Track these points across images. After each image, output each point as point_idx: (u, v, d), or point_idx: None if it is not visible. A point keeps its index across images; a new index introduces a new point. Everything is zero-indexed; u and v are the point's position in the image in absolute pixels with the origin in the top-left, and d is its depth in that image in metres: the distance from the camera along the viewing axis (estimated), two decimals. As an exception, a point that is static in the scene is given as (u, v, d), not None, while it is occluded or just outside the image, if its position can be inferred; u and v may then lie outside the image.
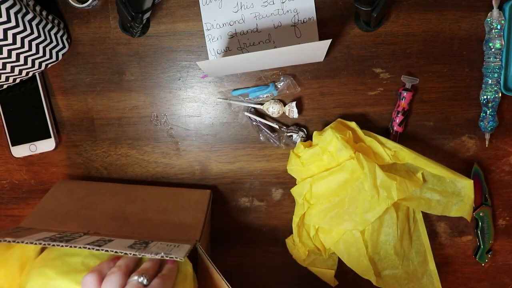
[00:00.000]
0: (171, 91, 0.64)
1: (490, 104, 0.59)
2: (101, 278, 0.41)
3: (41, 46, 0.56)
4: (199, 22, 0.61)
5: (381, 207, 0.55)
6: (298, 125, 0.63)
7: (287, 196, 0.65)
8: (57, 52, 0.59)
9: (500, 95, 0.59)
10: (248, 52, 0.60)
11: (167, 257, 0.40)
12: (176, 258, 0.40)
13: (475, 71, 0.61)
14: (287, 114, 0.62)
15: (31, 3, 0.53)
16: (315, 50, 0.54)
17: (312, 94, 0.62)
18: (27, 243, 0.41)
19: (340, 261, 0.63)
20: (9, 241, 0.41)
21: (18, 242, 0.41)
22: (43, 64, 0.59)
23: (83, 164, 0.66)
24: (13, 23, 0.49)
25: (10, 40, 0.51)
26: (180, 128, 0.65)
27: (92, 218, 0.54)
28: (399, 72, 0.61)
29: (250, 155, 0.65)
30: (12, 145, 0.65)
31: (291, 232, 0.63)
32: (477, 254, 0.64)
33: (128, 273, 0.42)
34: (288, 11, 0.60)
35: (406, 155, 0.56)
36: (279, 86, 0.61)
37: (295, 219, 0.60)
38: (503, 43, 0.58)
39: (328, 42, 0.51)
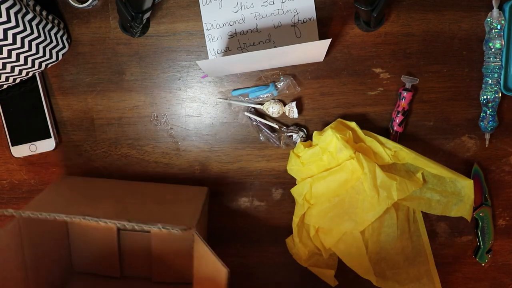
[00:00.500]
0: (171, 91, 0.64)
1: (490, 104, 0.59)
2: None
3: (41, 46, 0.56)
4: (199, 22, 0.61)
5: (381, 207, 0.55)
6: (298, 125, 0.63)
7: (287, 196, 0.65)
8: (57, 52, 0.59)
9: (500, 95, 0.59)
10: (248, 52, 0.60)
11: (163, 228, 0.41)
12: (173, 229, 0.40)
13: (475, 71, 0.61)
14: (287, 114, 0.62)
15: (31, 3, 0.53)
16: (315, 50, 0.54)
17: (312, 94, 0.62)
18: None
19: (340, 261, 0.63)
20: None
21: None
22: (43, 64, 0.59)
23: (83, 164, 0.66)
24: (13, 23, 0.49)
25: (10, 40, 0.51)
26: (180, 128, 0.65)
27: (92, 206, 0.54)
28: (399, 72, 0.61)
29: (250, 155, 0.65)
30: (12, 145, 0.65)
31: (291, 232, 0.63)
32: (477, 254, 0.64)
33: None
34: (288, 11, 0.60)
35: (406, 155, 0.56)
36: (279, 86, 0.61)
37: (295, 219, 0.60)
38: (503, 43, 0.58)
39: (328, 42, 0.51)
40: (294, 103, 0.61)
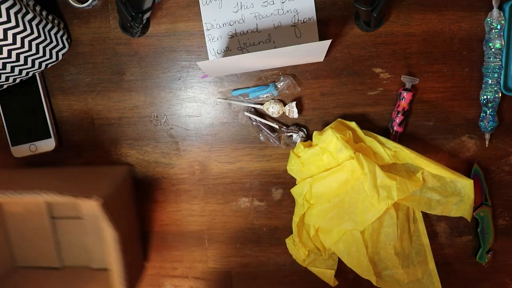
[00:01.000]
0: (171, 91, 0.64)
1: (490, 104, 0.59)
2: None
3: (41, 46, 0.56)
4: (199, 22, 0.61)
5: (381, 207, 0.55)
6: (298, 125, 0.63)
7: (287, 196, 0.65)
8: (57, 52, 0.59)
9: (500, 95, 0.59)
10: (248, 52, 0.60)
11: (63, 196, 0.48)
12: (71, 196, 0.47)
13: (475, 71, 0.61)
14: (287, 114, 0.62)
15: (31, 3, 0.53)
16: (315, 50, 0.54)
17: (312, 94, 0.62)
18: None
19: (340, 261, 0.63)
20: None
21: None
22: (43, 64, 0.59)
23: (83, 164, 0.66)
24: (13, 23, 0.49)
25: (10, 40, 0.51)
26: (180, 128, 0.65)
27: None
28: (399, 72, 0.61)
29: (250, 155, 0.65)
30: (12, 145, 0.65)
31: (291, 232, 0.63)
32: (477, 254, 0.64)
33: None
34: (288, 11, 0.60)
35: (406, 155, 0.57)
36: (279, 86, 0.61)
37: (295, 219, 0.60)
38: (503, 43, 0.58)
39: (328, 42, 0.51)
40: (294, 103, 0.61)
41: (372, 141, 0.57)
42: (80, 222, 0.67)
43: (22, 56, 0.54)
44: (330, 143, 0.56)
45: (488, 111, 0.60)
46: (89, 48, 0.63)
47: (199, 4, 0.61)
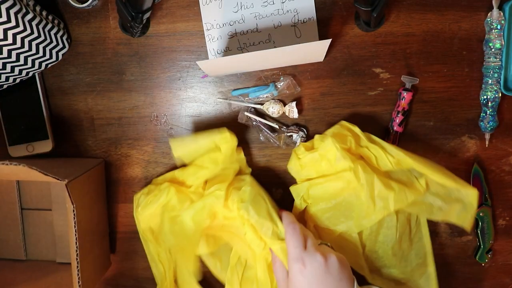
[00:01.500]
0: (171, 91, 0.64)
1: (490, 104, 0.59)
2: None
3: (41, 46, 0.56)
4: (199, 22, 0.61)
5: (377, 216, 0.55)
6: (298, 125, 0.63)
7: (287, 196, 0.65)
8: (57, 52, 0.59)
9: (500, 95, 0.59)
10: (248, 52, 0.60)
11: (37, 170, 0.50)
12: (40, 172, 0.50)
13: (475, 71, 0.61)
14: (287, 114, 0.62)
15: (31, 3, 0.53)
16: (315, 50, 0.54)
17: (312, 94, 0.62)
18: None
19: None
20: None
21: None
22: (43, 64, 0.59)
23: (83, 164, 0.66)
24: (13, 23, 0.49)
25: (10, 40, 0.51)
26: (180, 128, 0.65)
27: None
28: (399, 72, 0.61)
29: (250, 155, 0.65)
30: (9, 145, 0.65)
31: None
32: (477, 254, 0.64)
33: None
34: (288, 11, 0.60)
35: (410, 163, 0.56)
36: (279, 86, 0.61)
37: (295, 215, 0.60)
38: (503, 43, 0.58)
39: (328, 42, 0.51)
40: (294, 103, 0.61)
41: (374, 148, 0.57)
42: (49, 214, 0.68)
43: (22, 56, 0.54)
44: (330, 151, 0.56)
45: (488, 111, 0.60)
46: (89, 48, 0.63)
47: (199, 4, 0.61)
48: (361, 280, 0.59)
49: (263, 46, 0.61)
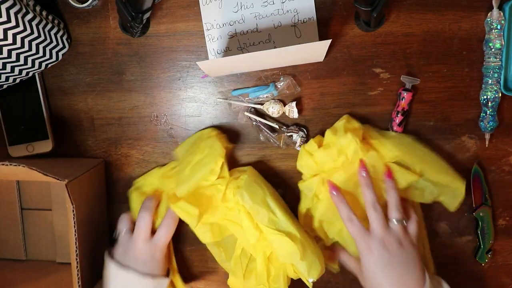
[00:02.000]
0: (171, 91, 0.64)
1: (490, 104, 0.59)
2: None
3: (41, 46, 0.56)
4: (199, 22, 0.61)
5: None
6: (298, 125, 0.63)
7: (287, 196, 0.65)
8: (57, 52, 0.59)
9: (500, 95, 0.59)
10: (248, 52, 0.60)
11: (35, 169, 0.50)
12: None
13: (475, 71, 0.61)
14: (287, 114, 0.62)
15: (31, 3, 0.53)
16: (315, 50, 0.54)
17: (312, 94, 0.62)
18: None
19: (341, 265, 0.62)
20: None
21: None
22: (43, 64, 0.59)
23: (83, 164, 0.66)
24: (13, 23, 0.49)
25: (10, 40, 0.51)
26: (180, 128, 0.65)
27: None
28: (399, 72, 0.61)
29: (250, 155, 0.65)
30: (9, 145, 0.65)
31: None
32: (477, 254, 0.64)
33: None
34: (288, 11, 0.60)
35: (406, 158, 0.57)
36: (279, 86, 0.61)
37: (302, 211, 0.61)
38: (503, 43, 0.58)
39: (328, 42, 0.51)
40: (294, 103, 0.61)
41: (377, 143, 0.57)
42: (49, 214, 0.68)
43: (22, 56, 0.54)
44: (348, 147, 0.56)
45: (488, 111, 0.60)
46: (89, 48, 0.63)
47: (199, 4, 0.61)
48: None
49: (263, 46, 0.61)
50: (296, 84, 0.61)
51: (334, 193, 0.56)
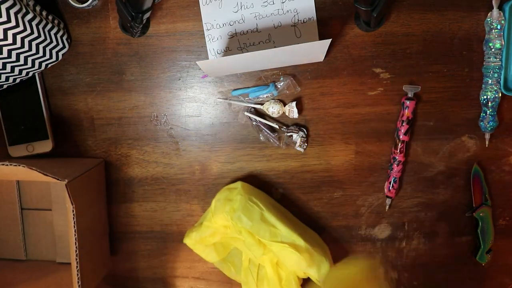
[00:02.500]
0: (171, 91, 0.64)
1: (490, 104, 0.59)
2: None
3: (41, 46, 0.55)
4: (199, 22, 0.61)
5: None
6: (298, 125, 0.63)
7: (287, 196, 0.65)
8: (57, 52, 0.59)
9: (500, 95, 0.59)
10: (248, 52, 0.60)
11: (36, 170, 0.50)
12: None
13: (475, 71, 0.61)
14: (287, 114, 0.62)
15: (31, 3, 0.53)
16: (315, 50, 0.54)
17: (312, 94, 0.62)
18: None
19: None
20: None
21: None
22: (43, 64, 0.59)
23: (83, 164, 0.66)
24: (13, 23, 0.49)
25: (10, 40, 0.51)
26: (180, 128, 0.65)
27: None
28: (399, 72, 0.61)
29: (250, 155, 0.65)
30: (10, 145, 0.65)
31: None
32: (477, 254, 0.64)
33: None
34: (288, 11, 0.60)
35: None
36: (279, 86, 0.61)
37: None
38: (503, 43, 0.58)
39: (328, 42, 0.51)
40: (294, 103, 0.61)
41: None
42: (49, 214, 0.68)
43: (22, 56, 0.54)
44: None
45: (488, 111, 0.60)
46: (89, 48, 0.63)
47: (199, 4, 0.61)
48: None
49: (263, 46, 0.61)
50: (296, 84, 0.61)
51: None
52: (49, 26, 0.56)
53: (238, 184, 0.61)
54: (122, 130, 0.65)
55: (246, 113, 0.63)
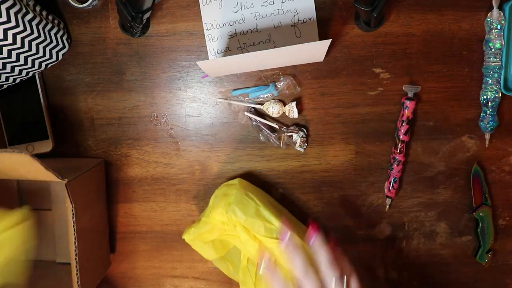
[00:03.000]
0: (171, 91, 0.64)
1: (490, 104, 0.59)
2: None
3: (41, 46, 0.56)
4: (199, 22, 0.61)
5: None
6: (298, 125, 0.63)
7: (287, 196, 0.65)
8: (57, 52, 0.59)
9: (500, 95, 0.59)
10: (248, 52, 0.60)
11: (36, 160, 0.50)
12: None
13: (475, 71, 0.61)
14: (287, 114, 0.62)
15: (31, 3, 0.53)
16: (315, 50, 0.54)
17: (312, 94, 0.62)
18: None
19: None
20: None
21: None
22: (43, 64, 0.59)
23: (83, 164, 0.66)
24: (13, 23, 0.49)
25: (10, 40, 0.51)
26: (180, 128, 0.65)
27: None
28: (399, 72, 0.61)
29: (250, 155, 0.65)
30: (9, 145, 0.65)
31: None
32: (477, 254, 0.64)
33: None
34: (288, 11, 0.60)
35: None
36: (279, 86, 0.61)
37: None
38: (503, 43, 0.58)
39: (328, 42, 0.51)
40: (294, 103, 0.61)
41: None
42: (49, 214, 0.68)
43: (22, 56, 0.54)
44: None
45: (488, 111, 0.60)
46: (89, 48, 0.63)
47: (199, 4, 0.61)
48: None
49: (263, 46, 0.61)
50: (296, 84, 0.61)
51: (289, 246, 0.50)
52: (49, 26, 0.56)
53: (236, 180, 0.61)
54: (122, 130, 0.65)
55: (246, 113, 0.63)
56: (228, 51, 0.62)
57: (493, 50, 0.58)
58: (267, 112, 0.62)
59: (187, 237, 0.61)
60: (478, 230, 0.63)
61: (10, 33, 0.50)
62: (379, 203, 0.65)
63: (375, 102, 0.62)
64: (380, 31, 0.60)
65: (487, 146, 0.62)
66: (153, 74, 0.63)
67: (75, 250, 0.54)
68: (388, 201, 0.64)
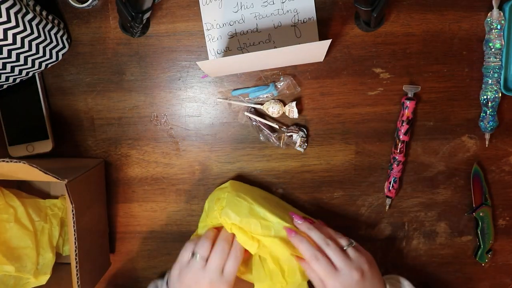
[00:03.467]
0: (171, 91, 0.64)
1: (490, 104, 0.59)
2: None
3: (41, 46, 0.56)
4: (199, 22, 0.61)
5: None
6: (298, 125, 0.63)
7: (287, 196, 0.65)
8: (57, 52, 0.59)
9: (500, 95, 0.59)
10: (248, 52, 0.60)
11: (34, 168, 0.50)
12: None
13: (475, 71, 0.61)
14: (287, 114, 0.62)
15: (31, 3, 0.53)
16: (315, 50, 0.54)
17: (312, 94, 0.62)
18: None
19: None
20: None
21: None
22: (43, 64, 0.59)
23: (83, 164, 0.66)
24: (13, 23, 0.49)
25: (10, 40, 0.51)
26: (180, 128, 0.65)
27: None
28: (399, 72, 0.61)
29: (250, 155, 0.65)
30: (9, 145, 0.65)
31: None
32: (477, 254, 0.64)
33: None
34: (288, 11, 0.60)
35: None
36: (279, 86, 0.61)
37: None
38: (503, 43, 0.58)
39: (328, 42, 0.51)
40: (294, 103, 0.61)
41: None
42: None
43: (22, 56, 0.54)
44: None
45: (488, 111, 0.60)
46: (89, 48, 0.63)
47: (199, 4, 0.61)
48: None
49: (263, 46, 0.61)
50: (296, 84, 0.61)
51: (293, 235, 0.54)
52: (49, 26, 0.56)
53: (228, 183, 0.61)
54: (122, 130, 0.65)
55: (246, 113, 0.63)
56: (228, 51, 0.62)
57: (493, 50, 0.58)
58: (267, 112, 0.62)
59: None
60: (478, 230, 0.63)
61: (10, 33, 0.50)
62: (379, 203, 0.65)
63: (375, 102, 0.62)
64: (380, 31, 0.60)
65: (487, 146, 0.62)
66: (153, 74, 0.63)
67: (75, 250, 0.54)
68: (388, 201, 0.64)
